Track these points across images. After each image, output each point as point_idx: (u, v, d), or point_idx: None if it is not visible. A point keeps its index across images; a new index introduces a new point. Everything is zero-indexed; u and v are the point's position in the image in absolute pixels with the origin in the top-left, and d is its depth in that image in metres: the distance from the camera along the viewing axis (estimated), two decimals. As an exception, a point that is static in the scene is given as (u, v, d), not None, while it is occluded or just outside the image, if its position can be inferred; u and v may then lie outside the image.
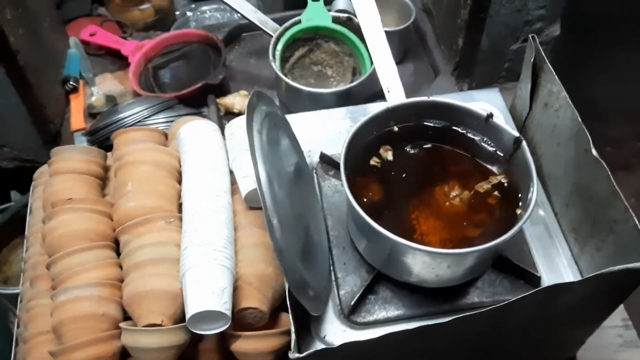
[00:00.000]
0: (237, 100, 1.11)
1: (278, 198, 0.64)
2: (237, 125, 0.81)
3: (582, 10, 1.16)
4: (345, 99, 1.05)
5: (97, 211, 0.74)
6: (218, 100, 1.12)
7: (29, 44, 0.99)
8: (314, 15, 1.11)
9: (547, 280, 0.78)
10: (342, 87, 1.11)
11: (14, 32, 0.93)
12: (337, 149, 0.91)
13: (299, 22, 1.10)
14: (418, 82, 1.19)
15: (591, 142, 0.71)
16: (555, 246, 0.82)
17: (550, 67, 0.79)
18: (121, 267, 0.72)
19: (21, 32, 0.95)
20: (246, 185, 0.74)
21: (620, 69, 1.53)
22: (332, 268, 0.80)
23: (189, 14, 1.45)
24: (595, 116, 0.75)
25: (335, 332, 0.75)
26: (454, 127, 0.82)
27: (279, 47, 1.08)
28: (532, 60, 0.82)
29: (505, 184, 0.77)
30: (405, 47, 1.22)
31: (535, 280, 0.77)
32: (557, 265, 0.80)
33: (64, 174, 0.81)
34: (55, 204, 0.73)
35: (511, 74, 1.15)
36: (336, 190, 0.87)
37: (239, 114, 1.10)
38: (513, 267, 0.78)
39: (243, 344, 0.67)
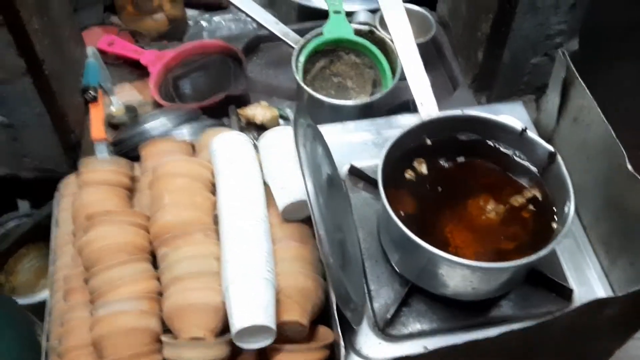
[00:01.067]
0: (258, 111, 1.10)
1: (322, 210, 0.64)
2: (272, 138, 0.81)
3: (591, 22, 1.17)
4: (366, 111, 1.05)
5: (134, 223, 0.73)
6: (239, 111, 1.11)
7: (53, 53, 0.98)
8: (336, 28, 1.11)
9: (578, 293, 0.79)
10: (363, 98, 1.11)
11: (41, 41, 0.92)
12: (364, 161, 0.92)
13: (321, 34, 1.11)
14: (435, 94, 1.19)
15: (626, 157, 0.72)
16: (585, 259, 0.83)
17: (582, 82, 0.80)
18: (159, 280, 0.71)
19: (47, 41, 0.95)
20: (284, 198, 0.74)
21: (620, 78, 1.55)
22: (364, 280, 0.80)
23: (203, 24, 1.45)
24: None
25: (371, 344, 0.75)
26: (486, 141, 0.82)
27: (302, 58, 1.08)
28: (562, 75, 0.83)
29: (540, 198, 0.77)
30: (423, 59, 1.23)
31: (567, 293, 0.78)
32: (587, 279, 0.81)
33: (94, 185, 0.81)
34: (91, 216, 0.73)
35: (529, 87, 1.16)
36: (366, 202, 0.88)
37: (261, 124, 1.09)
38: (545, 279, 0.78)
39: (284, 357, 0.66)
